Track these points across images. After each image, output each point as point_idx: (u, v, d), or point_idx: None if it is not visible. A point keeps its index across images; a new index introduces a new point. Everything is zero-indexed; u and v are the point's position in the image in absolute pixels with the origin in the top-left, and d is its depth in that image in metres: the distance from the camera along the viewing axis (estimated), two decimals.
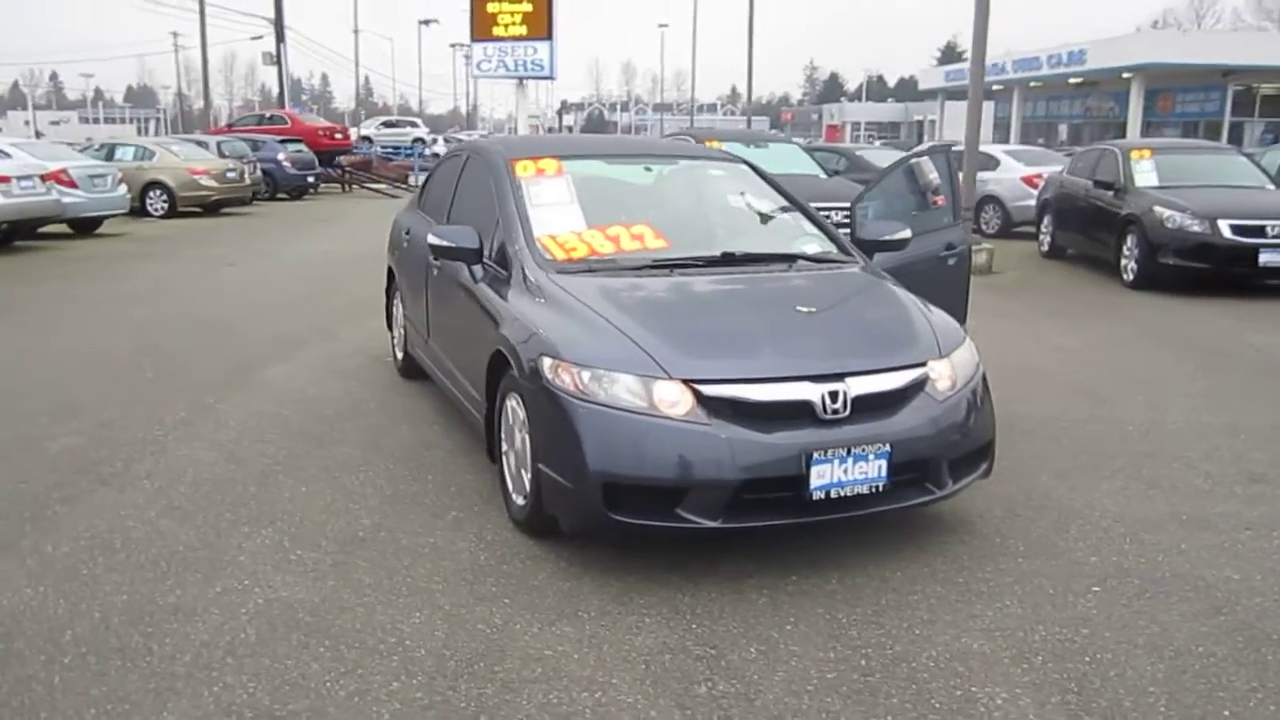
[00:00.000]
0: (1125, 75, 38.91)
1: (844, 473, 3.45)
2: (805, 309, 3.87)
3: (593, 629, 3.23)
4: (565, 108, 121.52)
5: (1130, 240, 10.31)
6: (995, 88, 49.84)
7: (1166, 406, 5.85)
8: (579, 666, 3.01)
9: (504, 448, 4.13)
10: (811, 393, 3.49)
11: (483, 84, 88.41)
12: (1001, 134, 48.94)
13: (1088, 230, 11.54)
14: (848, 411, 3.51)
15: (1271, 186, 10.65)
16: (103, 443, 5.05)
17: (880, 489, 3.53)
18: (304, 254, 13.33)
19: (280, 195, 22.05)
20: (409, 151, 34.83)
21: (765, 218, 4.83)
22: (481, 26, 36.30)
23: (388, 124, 43.28)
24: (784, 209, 4.94)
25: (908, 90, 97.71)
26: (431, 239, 4.48)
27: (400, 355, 6.41)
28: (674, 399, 3.42)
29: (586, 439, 3.42)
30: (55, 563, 3.67)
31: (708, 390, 3.43)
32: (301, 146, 22.74)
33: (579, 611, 3.34)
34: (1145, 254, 10.02)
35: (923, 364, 3.75)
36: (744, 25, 43.80)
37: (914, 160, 5.46)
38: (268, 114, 28.35)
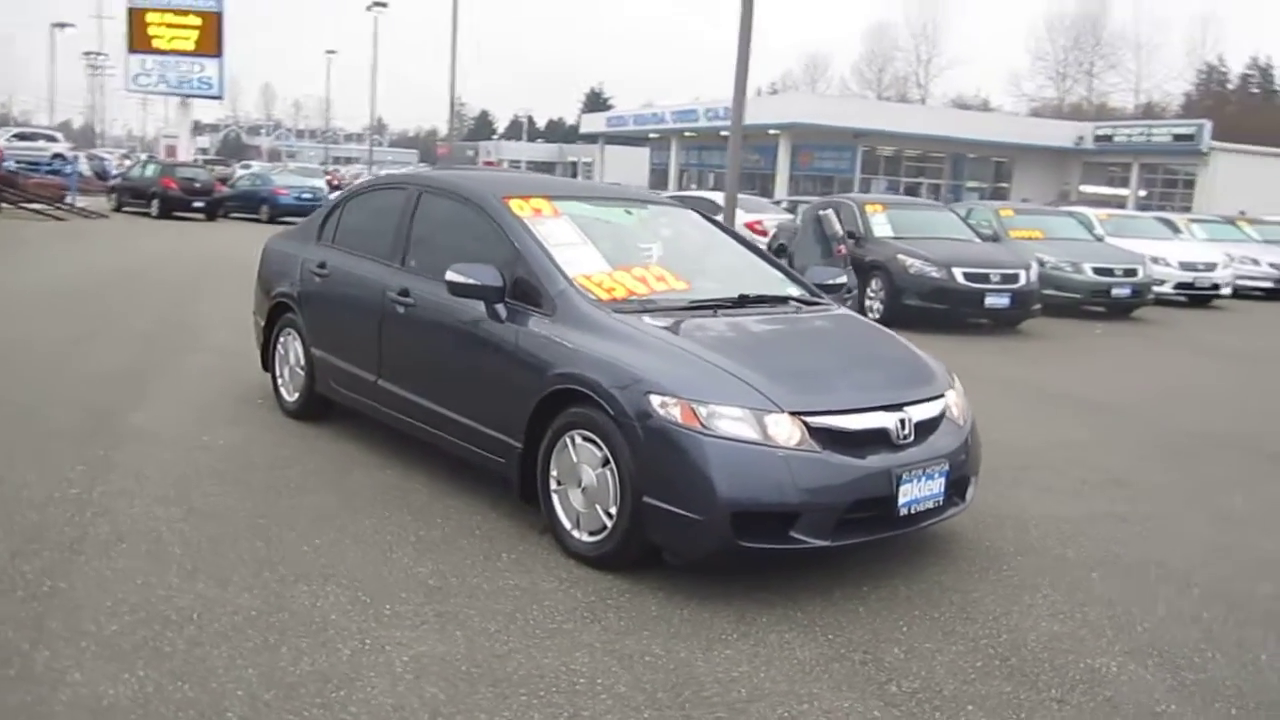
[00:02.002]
0: (772, 131, 43.29)
1: (919, 490, 3.92)
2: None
3: (750, 648, 3.43)
4: (198, 128, 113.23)
5: (875, 283, 11.75)
6: (653, 135, 53.48)
7: (1000, 428, 6.88)
8: (772, 682, 3.21)
9: (554, 485, 4.16)
10: (887, 420, 3.93)
11: (114, 98, 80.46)
12: (658, 179, 52.42)
13: None
14: (912, 437, 3.98)
15: (977, 239, 12.63)
16: (21, 505, 4.37)
17: (938, 504, 4.04)
18: (26, 284, 11.65)
19: None
20: (49, 168, 31.06)
21: (739, 259, 5.22)
22: (139, 38, 33.60)
23: (20, 136, 38.17)
24: (742, 250, 5.36)
25: (557, 131, 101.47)
26: (452, 276, 4.39)
27: (294, 397, 6.02)
28: (787, 430, 3.70)
29: (714, 471, 3.61)
30: (119, 643, 3.23)
31: (814, 421, 3.76)
32: None
33: (721, 636, 3.52)
34: (891, 296, 11.48)
35: (942, 394, 4.31)
36: (389, 56, 43.54)
37: (820, 213, 6.09)
38: None
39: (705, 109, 46.78)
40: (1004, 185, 45.37)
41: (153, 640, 3.25)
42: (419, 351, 4.95)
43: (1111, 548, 4.60)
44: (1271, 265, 17.06)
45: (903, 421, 3.96)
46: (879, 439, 3.89)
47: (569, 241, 4.61)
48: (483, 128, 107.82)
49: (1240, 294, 16.37)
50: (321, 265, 5.72)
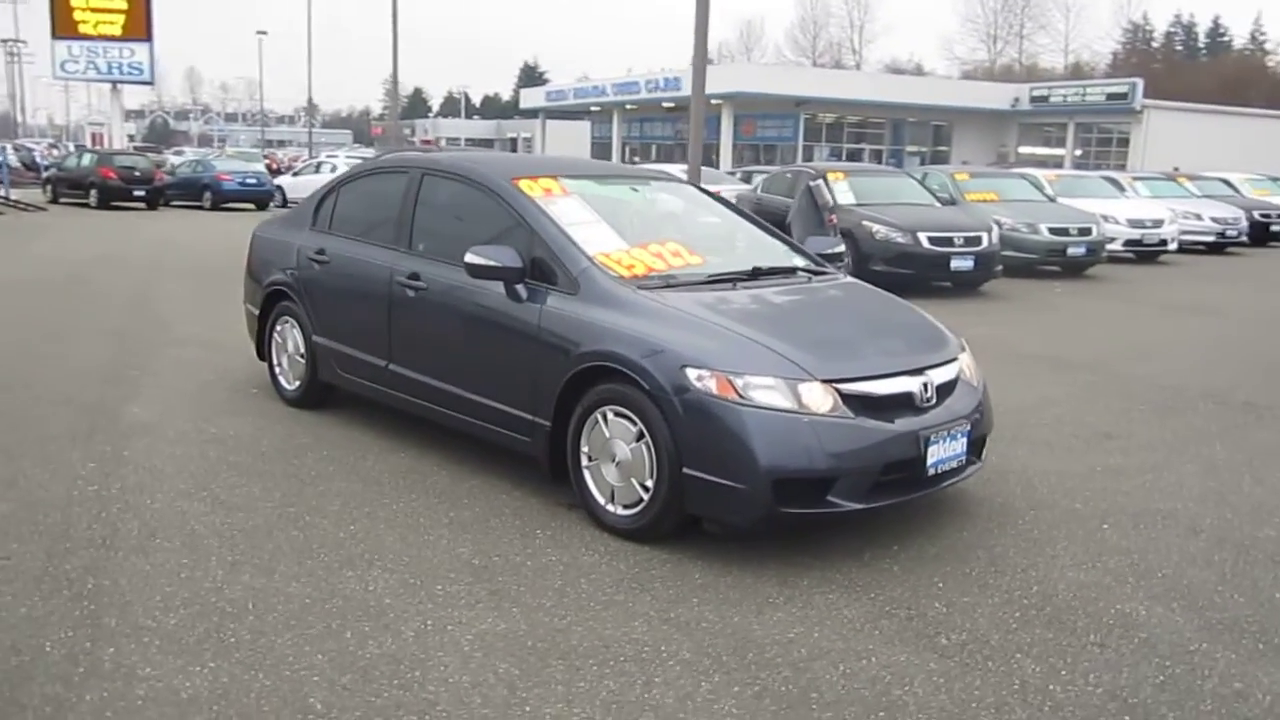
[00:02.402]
0: (715, 102, 43.31)
1: (944, 451, 4.05)
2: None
3: (799, 610, 3.54)
4: (124, 115, 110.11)
5: None
6: (594, 109, 53.26)
7: None
8: (828, 641, 3.32)
9: (585, 461, 4.22)
10: (911, 385, 4.05)
11: (33, 86, 77.78)
12: (601, 152, 52.26)
13: None
14: (934, 400, 4.11)
15: (937, 204, 12.84)
16: (42, 505, 4.32)
17: (961, 463, 4.18)
18: None
19: None
20: None
21: (742, 231, 5.30)
22: (64, 23, 32.57)
23: None
24: (742, 222, 5.45)
25: (493, 107, 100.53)
26: (472, 259, 4.41)
27: (294, 385, 5.99)
28: (820, 398, 3.81)
29: (755, 440, 3.70)
30: (181, 636, 3.23)
31: (845, 388, 3.86)
32: None
33: (769, 600, 3.62)
34: (857, 262, 11.60)
35: (956, 357, 4.44)
36: (318, 35, 42.75)
37: (811, 184, 6.19)
38: None
39: (646, 81, 46.73)
40: (943, 149, 46.05)
41: (215, 632, 3.26)
42: (433, 335, 4.95)
43: (1116, 499, 4.79)
44: (1213, 220, 17.61)
45: (925, 385, 4.09)
46: (905, 403, 4.01)
47: (583, 220, 4.64)
48: (417, 105, 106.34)
49: (1184, 249, 16.87)
50: (320, 252, 5.68)
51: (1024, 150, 44.42)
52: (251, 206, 24.93)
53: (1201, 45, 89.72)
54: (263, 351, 6.29)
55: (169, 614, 3.38)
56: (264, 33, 59.91)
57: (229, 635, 3.25)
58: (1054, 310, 11.24)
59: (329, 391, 5.89)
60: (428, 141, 71.05)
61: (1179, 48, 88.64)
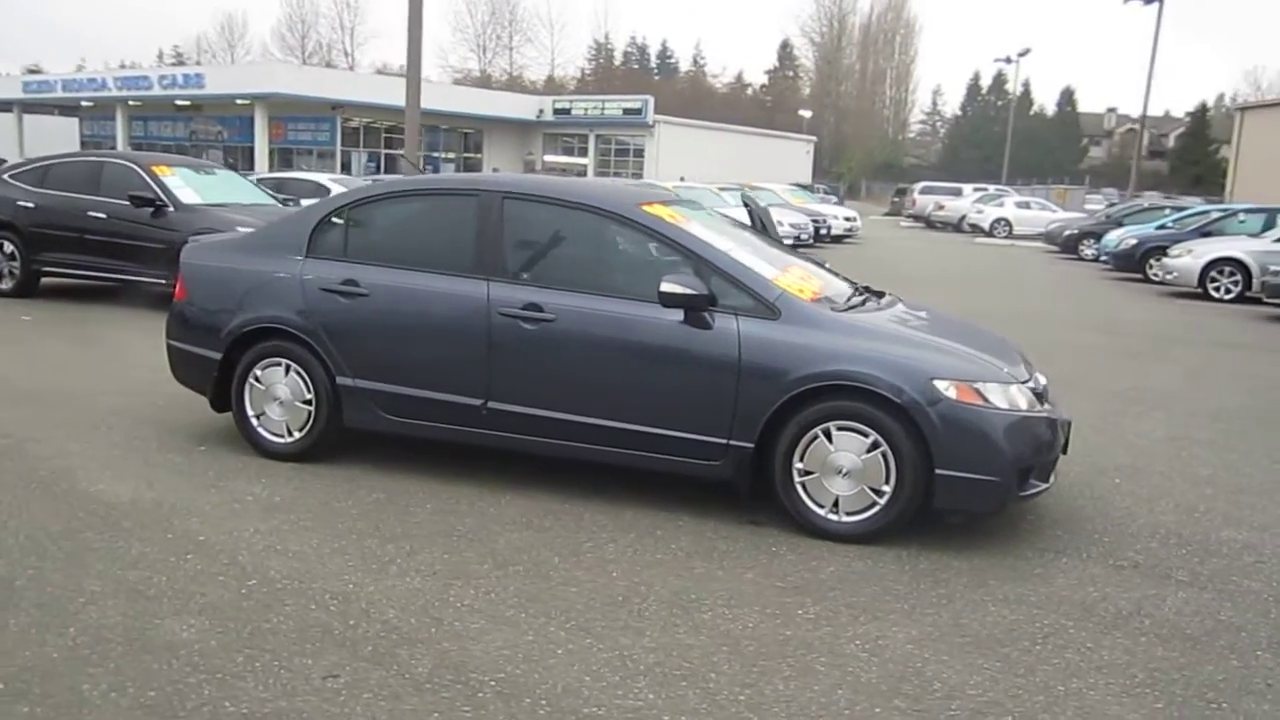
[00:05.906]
0: (241, 101, 40.58)
1: (1064, 434, 4.94)
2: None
3: (1060, 579, 4.17)
4: None
5: None
6: (85, 104, 46.92)
7: None
8: (1117, 592, 4.02)
9: (799, 476, 4.45)
10: (1043, 381, 4.88)
11: None
12: None
13: None
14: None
15: None
16: (223, 612, 3.55)
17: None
18: None
19: None
20: None
21: (784, 250, 5.72)
22: None
23: None
24: (770, 241, 5.89)
25: None
26: (669, 287, 4.39)
27: (293, 437, 5.22)
28: (1024, 397, 4.48)
29: (1002, 438, 4.27)
30: (645, 710, 3.05)
31: (1031, 387, 4.58)
32: None
33: (1026, 574, 4.21)
34: None
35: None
36: None
37: (758, 205, 6.76)
38: None
39: (160, 76, 42.52)
40: (475, 155, 47.65)
41: (667, 704, 3.08)
42: (570, 368, 4.72)
43: (1096, 460, 5.86)
44: (792, 225, 20.76)
45: (1041, 380, 4.95)
46: (1044, 397, 4.82)
47: (730, 246, 4.81)
48: None
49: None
50: (349, 283, 5.04)
51: (549, 159, 47.51)
52: None
53: (654, 65, 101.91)
54: (224, 402, 5.37)
55: (599, 690, 3.13)
56: None
57: (691, 701, 3.10)
58: None
59: (341, 438, 5.27)
60: None
61: (635, 66, 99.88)
